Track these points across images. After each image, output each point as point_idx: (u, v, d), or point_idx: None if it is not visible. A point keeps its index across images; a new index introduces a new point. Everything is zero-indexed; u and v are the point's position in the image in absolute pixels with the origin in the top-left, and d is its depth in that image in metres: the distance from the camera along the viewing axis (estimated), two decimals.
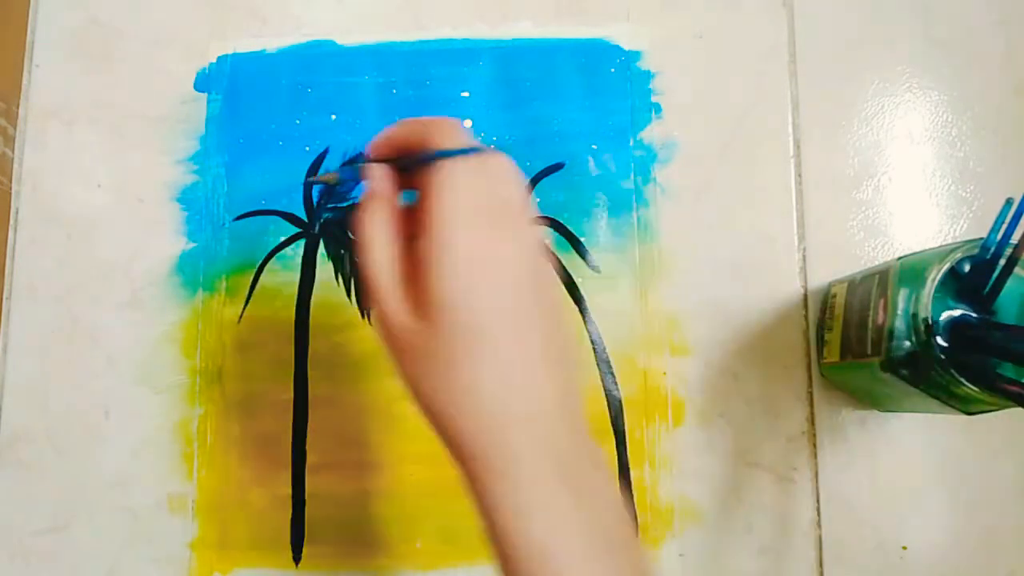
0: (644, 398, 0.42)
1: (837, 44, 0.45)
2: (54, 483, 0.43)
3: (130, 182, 0.45)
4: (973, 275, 0.32)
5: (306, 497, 0.42)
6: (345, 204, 0.45)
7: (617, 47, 0.46)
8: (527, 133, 0.45)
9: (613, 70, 0.45)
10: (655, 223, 0.44)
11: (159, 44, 0.47)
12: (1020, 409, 0.30)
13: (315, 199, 0.45)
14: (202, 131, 0.46)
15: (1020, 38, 0.45)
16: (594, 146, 0.45)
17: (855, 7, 0.45)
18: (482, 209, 0.26)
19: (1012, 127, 0.44)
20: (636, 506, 0.41)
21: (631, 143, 0.45)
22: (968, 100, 0.44)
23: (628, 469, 0.42)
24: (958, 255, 0.32)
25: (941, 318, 0.32)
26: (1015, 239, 0.30)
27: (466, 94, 0.45)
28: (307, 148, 0.45)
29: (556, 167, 0.44)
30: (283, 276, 0.44)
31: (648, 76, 0.45)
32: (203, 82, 0.46)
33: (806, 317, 0.43)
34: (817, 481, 0.41)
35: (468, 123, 0.45)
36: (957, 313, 0.32)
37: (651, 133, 0.45)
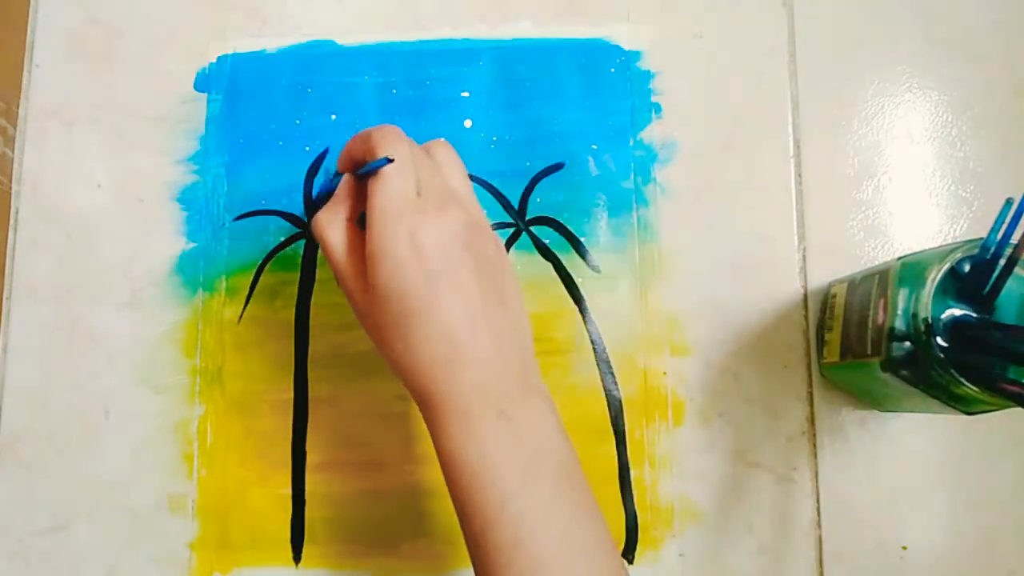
0: (644, 398, 0.42)
1: (837, 44, 0.45)
2: (54, 483, 0.43)
3: (130, 182, 0.45)
4: (973, 275, 0.32)
5: (306, 497, 0.42)
6: None
7: (617, 47, 0.46)
8: (527, 133, 0.45)
9: (613, 70, 0.45)
10: (655, 223, 0.44)
11: (159, 44, 0.47)
12: (1020, 409, 0.30)
13: (314, 197, 0.45)
14: (202, 131, 0.46)
15: (1020, 38, 0.45)
16: (594, 146, 0.45)
17: (855, 7, 0.45)
18: (411, 201, 0.31)
19: (1012, 127, 0.44)
20: (636, 506, 0.41)
21: (631, 143, 0.45)
22: (968, 100, 0.44)
23: (628, 469, 0.42)
24: (958, 255, 0.32)
25: (941, 318, 0.32)
26: (1015, 239, 0.30)
27: (466, 94, 0.45)
28: (307, 148, 0.45)
29: (556, 167, 0.44)
30: (283, 276, 0.44)
31: (648, 76, 0.45)
32: (203, 82, 0.46)
33: (806, 317, 0.43)
34: (817, 481, 0.41)
35: (468, 123, 0.45)
36: (957, 313, 0.32)
37: (651, 133, 0.45)
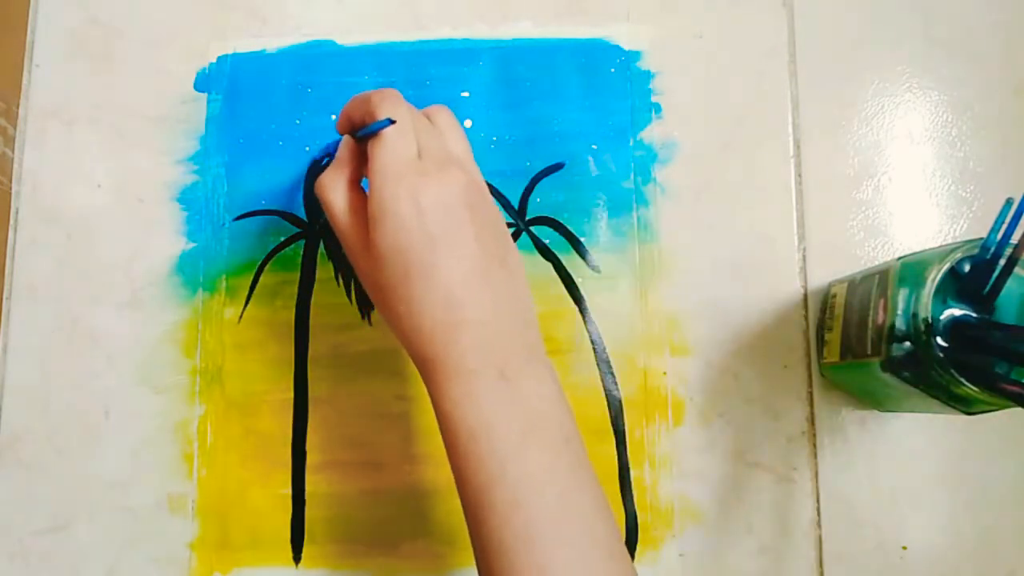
0: (644, 398, 0.42)
1: (837, 44, 0.45)
2: (54, 483, 0.43)
3: (130, 182, 0.45)
4: (973, 275, 0.32)
5: (306, 497, 0.42)
6: None
7: (617, 47, 0.46)
8: (527, 133, 0.45)
9: (613, 70, 0.45)
10: (655, 223, 0.44)
11: (159, 44, 0.47)
12: (1020, 409, 0.30)
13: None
14: (202, 131, 0.46)
15: (1020, 38, 0.45)
16: (594, 146, 0.45)
17: (855, 7, 0.45)
18: (412, 163, 0.31)
19: (1012, 127, 0.44)
20: (636, 506, 0.41)
21: (631, 143, 0.45)
22: (968, 100, 0.44)
23: (628, 469, 0.42)
24: (958, 255, 0.32)
25: (941, 318, 0.32)
26: (1015, 239, 0.30)
27: (466, 94, 0.45)
28: (307, 148, 0.45)
29: (556, 167, 0.44)
30: (283, 276, 0.44)
31: (648, 76, 0.45)
32: (203, 82, 0.46)
33: (806, 317, 0.43)
34: (817, 481, 0.41)
35: (468, 123, 0.45)
36: (957, 313, 0.32)
37: (651, 133, 0.45)
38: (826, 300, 0.42)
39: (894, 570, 0.41)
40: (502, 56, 0.46)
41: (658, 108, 0.45)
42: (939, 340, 0.31)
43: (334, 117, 0.45)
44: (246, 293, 0.44)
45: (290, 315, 0.44)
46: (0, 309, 0.44)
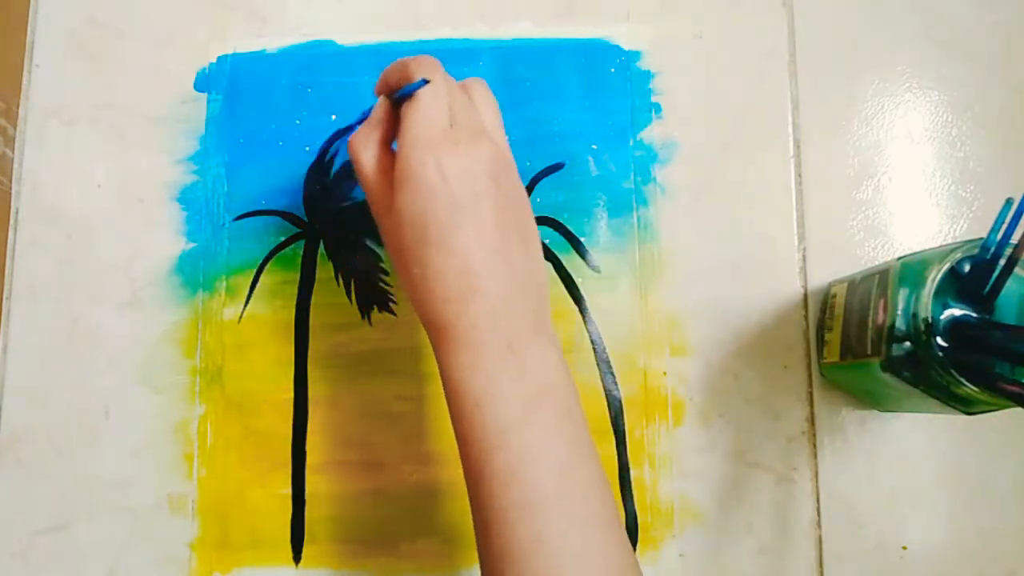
0: (644, 398, 0.42)
1: (837, 44, 0.45)
2: (54, 483, 0.43)
3: (130, 182, 0.45)
4: (973, 275, 0.32)
5: (306, 497, 0.42)
6: (345, 203, 0.45)
7: (617, 47, 0.46)
8: (527, 133, 0.45)
9: (613, 70, 0.45)
10: (655, 223, 0.44)
11: (159, 44, 0.47)
12: (1020, 409, 0.30)
13: (313, 192, 0.45)
14: (202, 131, 0.46)
15: (1020, 38, 0.45)
16: (594, 146, 0.45)
17: (855, 7, 0.45)
18: (443, 131, 0.31)
19: (1012, 127, 0.44)
20: (636, 506, 0.41)
21: (631, 143, 0.45)
22: (968, 100, 0.44)
23: (628, 469, 0.42)
24: (958, 255, 0.32)
25: (941, 318, 0.32)
26: (1015, 239, 0.30)
27: None
28: (307, 148, 0.45)
29: (556, 167, 0.44)
30: (283, 276, 0.44)
31: (648, 76, 0.45)
32: (203, 82, 0.46)
33: (806, 317, 0.43)
34: (817, 481, 0.41)
35: None
36: (957, 313, 0.32)
37: (651, 133, 0.45)
38: (826, 300, 0.42)
39: (894, 570, 0.41)
40: (502, 56, 0.46)
41: (658, 108, 0.45)
42: (939, 340, 0.31)
43: (334, 117, 0.45)
44: (246, 293, 0.44)
45: (290, 315, 0.44)
46: (0, 309, 0.44)
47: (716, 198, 0.44)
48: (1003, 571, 0.40)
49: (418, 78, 0.32)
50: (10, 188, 0.46)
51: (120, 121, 0.46)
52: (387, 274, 0.44)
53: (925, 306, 0.31)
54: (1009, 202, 0.30)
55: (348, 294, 0.44)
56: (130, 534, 0.42)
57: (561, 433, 0.30)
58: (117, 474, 0.43)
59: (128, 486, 0.43)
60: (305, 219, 0.45)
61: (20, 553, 0.42)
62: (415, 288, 0.31)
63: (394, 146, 0.34)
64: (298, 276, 0.44)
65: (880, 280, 0.36)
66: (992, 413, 0.32)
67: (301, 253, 0.44)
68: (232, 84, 0.46)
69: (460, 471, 0.31)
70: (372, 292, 0.44)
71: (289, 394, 0.43)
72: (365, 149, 0.33)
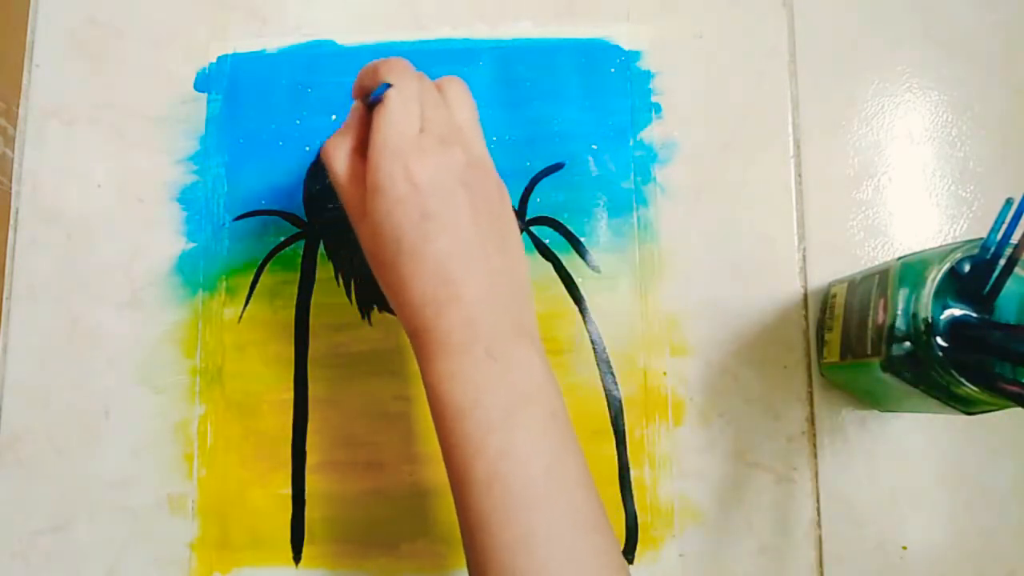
0: (644, 398, 0.42)
1: (837, 44, 0.45)
2: (54, 483, 0.43)
3: (130, 182, 0.45)
4: (973, 275, 0.32)
5: (306, 497, 0.42)
6: None
7: (617, 47, 0.46)
8: (527, 133, 0.45)
9: (613, 70, 0.45)
10: (655, 223, 0.44)
11: (159, 44, 0.47)
12: (1020, 409, 0.30)
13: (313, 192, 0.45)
14: (202, 131, 0.46)
15: (1020, 38, 0.45)
16: (594, 146, 0.45)
17: (855, 7, 0.45)
18: (412, 137, 0.31)
19: (1012, 127, 0.44)
20: (636, 506, 0.41)
21: (631, 143, 0.45)
22: (968, 100, 0.44)
23: (628, 469, 0.42)
24: (958, 255, 0.32)
25: (941, 318, 0.32)
26: (1015, 239, 0.30)
27: None
28: (307, 148, 0.45)
29: (556, 167, 0.44)
30: (283, 276, 0.44)
31: (648, 76, 0.45)
32: (203, 82, 0.46)
33: (806, 317, 0.43)
34: (817, 481, 0.41)
35: None
36: (957, 313, 0.32)
37: (651, 133, 0.45)
38: (826, 300, 0.42)
39: (894, 570, 0.41)
40: (502, 56, 0.46)
41: (658, 108, 0.45)
42: (939, 340, 0.31)
43: (334, 117, 0.45)
44: (246, 293, 0.44)
45: (290, 315, 0.44)
46: (0, 309, 0.44)
47: (716, 198, 0.44)
48: (1003, 571, 0.40)
49: (386, 81, 0.31)
50: (10, 188, 0.46)
51: (120, 121, 0.46)
52: None
53: (925, 306, 0.31)
54: (1009, 202, 0.30)
55: (348, 294, 0.44)
56: (130, 534, 0.42)
57: (544, 436, 0.30)
58: (117, 474, 0.43)
59: (128, 486, 0.43)
60: (305, 219, 0.45)
61: (20, 553, 0.42)
62: (394, 295, 0.31)
63: None
64: (298, 276, 0.44)
65: (880, 280, 0.36)
66: (992, 413, 0.32)
67: (301, 253, 0.44)
68: (232, 84, 0.46)
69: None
70: (372, 292, 0.44)
71: (289, 394, 0.43)
72: (337, 156, 0.33)
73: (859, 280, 0.38)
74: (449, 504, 0.42)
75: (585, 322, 0.43)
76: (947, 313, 0.32)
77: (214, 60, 0.46)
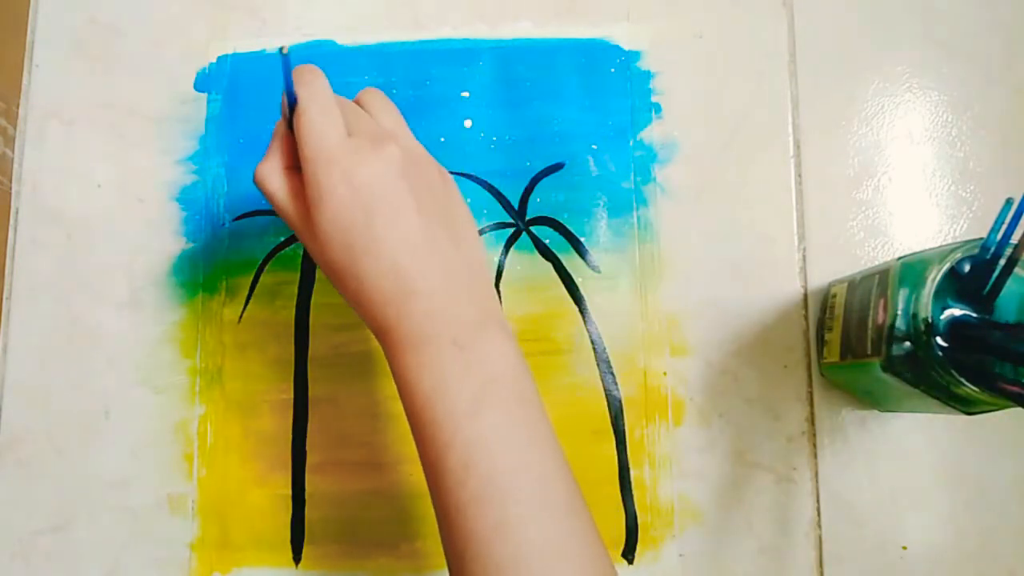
0: (644, 398, 0.42)
1: (837, 44, 0.45)
2: (54, 483, 0.43)
3: (130, 182, 0.45)
4: (973, 275, 0.32)
5: (306, 497, 0.42)
6: None
7: (617, 47, 0.46)
8: (527, 133, 0.45)
9: (613, 70, 0.45)
10: (655, 223, 0.44)
11: (159, 44, 0.47)
12: (1020, 409, 0.30)
13: None
14: (202, 131, 0.46)
15: (1020, 38, 0.45)
16: (594, 146, 0.45)
17: (855, 7, 0.45)
18: (341, 142, 0.31)
19: (1012, 127, 0.44)
20: (636, 506, 0.41)
21: (631, 143, 0.45)
22: (968, 100, 0.44)
23: (628, 469, 0.42)
24: (958, 255, 0.32)
25: (941, 318, 0.32)
26: (1015, 239, 0.30)
27: (466, 94, 0.45)
28: None
29: (556, 167, 0.44)
30: (283, 276, 0.44)
31: (648, 76, 0.45)
32: (203, 82, 0.46)
33: (806, 317, 0.43)
34: (817, 481, 0.41)
35: (468, 123, 0.45)
36: (957, 313, 0.32)
37: (651, 133, 0.45)
38: (826, 300, 0.42)
39: (894, 570, 0.41)
40: (502, 56, 0.46)
41: (658, 108, 0.45)
42: (939, 340, 0.31)
43: None
44: (246, 293, 0.44)
45: (290, 315, 0.44)
46: (0, 309, 0.44)
47: (716, 198, 0.44)
48: (1003, 571, 0.40)
49: (296, 92, 0.31)
50: (10, 188, 0.46)
51: (120, 121, 0.46)
52: None
53: (925, 306, 0.31)
54: (1009, 202, 0.30)
55: None
56: (130, 534, 0.42)
57: (516, 423, 0.30)
58: (117, 474, 0.43)
59: (128, 486, 0.43)
60: None
61: (20, 553, 0.42)
62: (356, 300, 0.31)
63: None
64: (298, 276, 0.44)
65: (880, 280, 0.36)
66: (992, 413, 0.32)
67: (301, 253, 0.44)
68: (232, 84, 0.46)
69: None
70: None
71: (289, 394, 0.43)
72: (271, 179, 0.33)
73: (859, 280, 0.38)
74: None
75: (585, 322, 0.43)
76: (947, 313, 0.32)
77: (214, 60, 0.46)
